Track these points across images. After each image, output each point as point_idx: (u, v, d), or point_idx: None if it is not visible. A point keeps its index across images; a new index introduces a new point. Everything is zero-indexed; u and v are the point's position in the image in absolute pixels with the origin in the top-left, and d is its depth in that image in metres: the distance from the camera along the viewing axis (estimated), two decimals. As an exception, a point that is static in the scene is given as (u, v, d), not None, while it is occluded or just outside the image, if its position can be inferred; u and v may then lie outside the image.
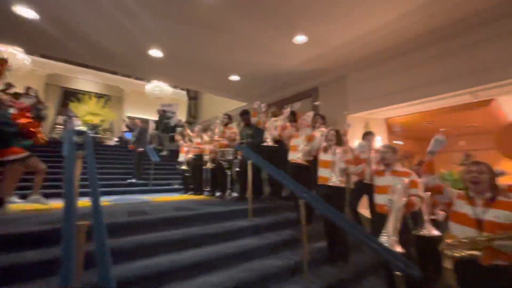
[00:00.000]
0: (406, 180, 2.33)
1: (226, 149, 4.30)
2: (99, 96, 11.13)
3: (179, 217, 2.97)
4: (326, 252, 3.02)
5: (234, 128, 4.80)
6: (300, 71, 4.99)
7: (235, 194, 4.58)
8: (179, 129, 6.28)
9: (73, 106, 10.09)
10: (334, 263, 2.90)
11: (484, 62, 3.15)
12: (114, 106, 11.84)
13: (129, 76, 11.78)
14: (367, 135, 3.70)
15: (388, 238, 2.10)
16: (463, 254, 1.75)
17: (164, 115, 10.31)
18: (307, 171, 3.73)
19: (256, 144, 4.22)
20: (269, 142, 4.15)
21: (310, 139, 3.64)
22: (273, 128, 4.28)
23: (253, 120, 4.67)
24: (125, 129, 10.56)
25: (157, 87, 10.37)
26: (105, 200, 4.11)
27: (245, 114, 4.65)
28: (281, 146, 4.23)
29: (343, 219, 2.31)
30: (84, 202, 2.33)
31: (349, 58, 4.38)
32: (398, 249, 2.04)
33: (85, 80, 11.52)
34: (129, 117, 11.54)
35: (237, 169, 4.36)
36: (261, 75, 5.33)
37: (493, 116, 4.26)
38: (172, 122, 10.22)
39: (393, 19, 3.31)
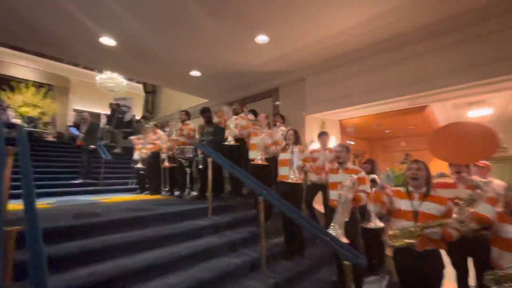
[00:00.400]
0: (355, 176, 2.54)
1: (186, 147, 4.17)
2: (39, 85, 9.82)
3: (134, 218, 2.79)
4: (284, 247, 3.13)
5: (192, 125, 4.67)
6: (262, 71, 5.06)
7: (194, 193, 4.47)
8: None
9: (5, 96, 8.74)
10: (291, 257, 3.03)
11: (419, 73, 3.58)
12: (58, 98, 10.56)
13: (76, 65, 10.62)
14: (322, 135, 3.93)
15: (335, 229, 2.26)
16: (401, 243, 1.98)
17: (117, 110, 9.57)
18: (267, 170, 3.83)
19: (216, 143, 4.17)
20: (231, 141, 4.14)
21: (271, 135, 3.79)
22: (235, 127, 4.29)
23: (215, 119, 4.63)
24: (70, 123, 9.53)
25: (110, 78, 9.57)
26: (45, 202, 3.67)
27: (205, 112, 4.56)
28: (242, 145, 4.26)
29: (299, 214, 2.42)
30: (16, 205, 2.05)
31: (308, 60, 4.59)
32: (344, 239, 2.20)
33: (21, 66, 10.06)
34: (75, 110, 10.43)
35: (200, 166, 4.26)
36: (223, 73, 5.28)
37: (426, 120, 4.89)
38: (127, 117, 9.54)
39: (350, 27, 3.57)
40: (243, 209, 3.87)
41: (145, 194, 5.01)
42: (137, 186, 5.45)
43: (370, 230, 3.24)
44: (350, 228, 2.62)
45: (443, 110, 5.11)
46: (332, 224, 2.34)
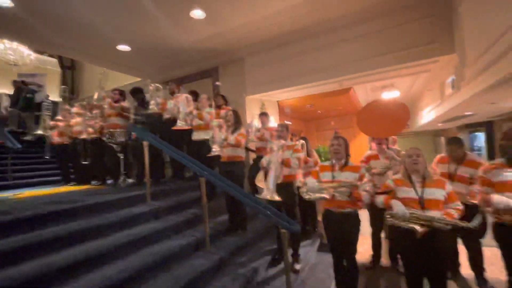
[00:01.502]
0: (283, 141, 2.84)
1: (117, 130, 3.79)
2: None
3: (57, 211, 2.47)
4: (228, 224, 3.25)
5: (126, 104, 4.24)
6: (199, 48, 4.84)
7: (130, 180, 4.17)
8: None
9: None
10: (234, 233, 3.17)
11: (346, 58, 3.98)
12: None
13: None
14: (262, 116, 4.08)
15: (268, 190, 2.44)
16: (315, 197, 2.29)
17: (24, 89, 7.91)
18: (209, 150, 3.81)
19: (153, 124, 3.91)
20: (183, 125, 3.89)
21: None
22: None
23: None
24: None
25: (10, 49, 7.76)
26: None
27: (137, 92, 4.17)
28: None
29: (240, 192, 2.52)
30: None
31: (246, 40, 4.58)
32: (276, 197, 2.41)
33: None
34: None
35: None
36: (157, 49, 4.85)
37: (351, 101, 5.54)
38: (38, 98, 8.00)
39: (284, 8, 3.66)
40: (186, 191, 3.81)
41: (71, 185, 4.44)
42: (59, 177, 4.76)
43: (306, 200, 3.62)
44: (288, 200, 2.89)
45: (364, 92, 5.84)
46: (266, 186, 2.52)
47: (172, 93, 4.38)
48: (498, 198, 1.86)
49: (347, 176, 2.29)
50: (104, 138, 3.87)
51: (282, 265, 2.90)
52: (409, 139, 11.07)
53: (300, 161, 2.88)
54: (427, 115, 5.87)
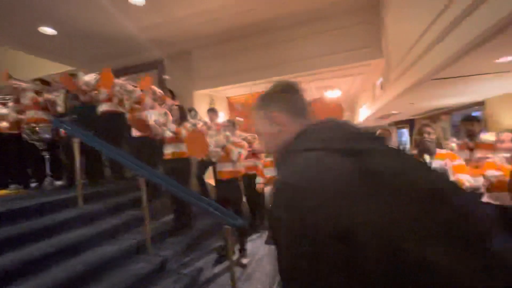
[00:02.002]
0: (228, 134, 2.92)
1: (40, 124, 3.29)
2: None
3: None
4: (173, 223, 3.13)
5: (50, 96, 3.70)
6: (141, 38, 4.50)
7: (59, 183, 3.69)
8: None
9: None
10: (179, 233, 3.06)
11: (296, 55, 4.14)
12: None
13: None
14: (210, 111, 4.01)
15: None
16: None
17: None
18: (153, 147, 3.58)
19: (87, 118, 3.50)
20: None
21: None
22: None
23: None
24: None
25: None
26: None
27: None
28: (120, 119, 3.73)
29: (183, 190, 2.44)
30: None
31: (193, 33, 4.41)
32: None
33: None
34: None
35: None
36: (91, 35, 4.35)
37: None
38: None
39: (230, 2, 3.62)
40: (127, 192, 3.53)
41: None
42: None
43: (253, 193, 3.69)
44: (233, 195, 2.90)
45: (308, 91, 6.17)
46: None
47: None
48: None
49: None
50: (24, 135, 3.32)
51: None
52: (351, 135, 12.18)
53: (241, 156, 2.89)
54: (363, 113, 6.51)
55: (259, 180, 3.57)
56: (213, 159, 2.88)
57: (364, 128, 0.64)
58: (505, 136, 1.99)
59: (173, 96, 4.49)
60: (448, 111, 5.96)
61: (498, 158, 2.07)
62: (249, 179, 3.61)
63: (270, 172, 3.37)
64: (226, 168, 2.86)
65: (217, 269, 2.80)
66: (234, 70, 4.52)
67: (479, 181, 1.99)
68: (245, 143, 3.03)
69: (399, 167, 0.53)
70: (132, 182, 3.83)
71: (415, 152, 2.30)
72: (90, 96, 3.71)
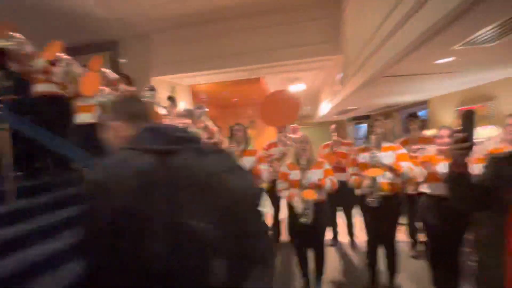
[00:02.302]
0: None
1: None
2: None
3: None
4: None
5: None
6: (90, 15, 4.04)
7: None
8: None
9: None
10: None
11: (259, 46, 4.08)
12: None
13: None
14: (169, 100, 3.79)
15: None
16: None
17: None
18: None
19: (22, 102, 3.07)
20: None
21: None
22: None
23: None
24: None
25: None
26: None
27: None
28: (62, 103, 3.34)
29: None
30: None
31: (153, 14, 4.09)
32: None
33: None
34: None
35: None
36: (34, 6, 3.78)
37: (262, 91, 5.80)
38: None
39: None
40: (72, 185, 3.21)
41: None
42: None
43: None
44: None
45: (274, 84, 6.21)
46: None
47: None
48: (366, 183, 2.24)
49: (245, 161, 2.37)
50: None
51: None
52: (314, 129, 12.64)
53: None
54: (325, 107, 6.75)
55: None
56: None
57: (185, 131, 0.75)
58: (443, 132, 2.17)
59: (128, 81, 4.15)
60: (398, 109, 6.47)
61: (432, 149, 2.29)
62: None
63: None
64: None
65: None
66: (196, 57, 4.32)
67: (418, 171, 2.16)
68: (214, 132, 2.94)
69: (195, 163, 0.67)
70: (78, 173, 3.49)
71: (367, 145, 2.42)
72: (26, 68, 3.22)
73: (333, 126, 3.37)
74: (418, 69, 2.33)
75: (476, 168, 1.97)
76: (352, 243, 3.43)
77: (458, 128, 0.91)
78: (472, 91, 3.55)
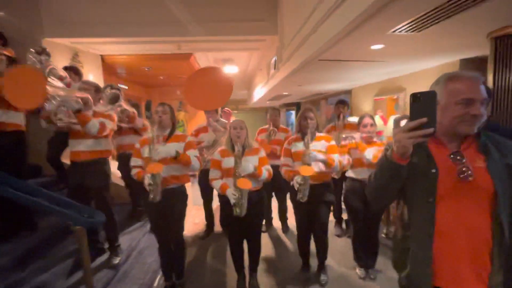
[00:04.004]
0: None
1: None
2: None
3: None
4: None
5: None
6: None
7: None
8: None
9: None
10: (15, 237, 2.16)
11: (183, 16, 3.52)
12: None
13: None
14: (68, 70, 2.95)
15: None
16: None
17: None
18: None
19: None
20: None
21: None
22: None
23: None
24: None
25: None
26: None
27: None
28: None
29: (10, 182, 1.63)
30: None
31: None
32: None
33: None
34: None
35: None
36: None
37: (193, 70, 5.25)
38: None
39: None
40: None
41: None
42: None
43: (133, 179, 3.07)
44: (96, 182, 2.26)
45: (206, 63, 5.73)
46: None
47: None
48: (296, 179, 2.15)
49: (172, 148, 1.98)
50: None
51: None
52: (248, 113, 12.66)
53: (104, 130, 2.22)
54: (258, 92, 6.67)
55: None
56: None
57: None
58: (367, 120, 2.27)
59: (3, 41, 3.07)
60: (325, 97, 6.94)
61: (357, 137, 2.41)
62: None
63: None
64: (81, 147, 2.15)
65: (75, 277, 2.15)
66: (105, 17, 3.46)
67: (345, 159, 2.23)
68: (113, 115, 2.35)
69: None
70: None
71: (298, 134, 2.35)
72: None
73: (268, 115, 3.24)
74: (354, 54, 2.35)
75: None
76: (285, 228, 3.48)
77: (411, 112, 0.80)
78: (387, 83, 3.96)
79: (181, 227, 2.20)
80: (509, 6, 1.44)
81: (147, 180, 1.85)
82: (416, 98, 0.77)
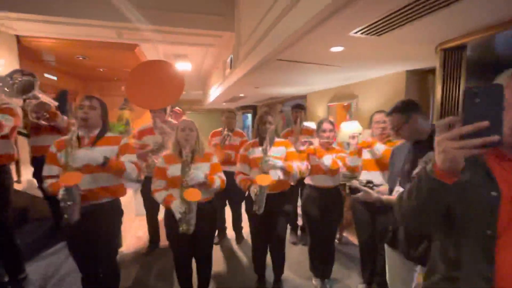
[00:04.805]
0: None
1: None
2: None
3: None
4: None
5: None
6: None
7: None
8: None
9: None
10: None
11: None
12: None
13: None
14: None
15: None
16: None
17: None
18: None
19: None
20: None
21: None
22: None
23: None
24: None
25: None
26: None
27: None
28: None
29: None
30: None
31: None
32: None
33: None
34: None
35: None
36: None
37: (138, 62, 4.67)
38: None
39: None
40: None
41: None
42: None
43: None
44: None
45: (156, 57, 5.20)
46: None
47: None
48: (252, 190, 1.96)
49: (100, 153, 1.58)
50: None
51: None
52: (204, 115, 12.12)
53: (1, 127, 1.71)
54: (214, 93, 6.34)
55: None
56: None
57: None
58: (326, 125, 2.21)
59: None
60: (281, 101, 6.97)
61: (316, 142, 2.35)
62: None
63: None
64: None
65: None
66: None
67: (304, 166, 2.12)
68: (15, 109, 1.83)
69: None
70: None
71: (256, 139, 2.17)
72: None
73: (223, 117, 3.04)
74: (313, 56, 2.26)
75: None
76: (239, 238, 3.25)
77: (464, 112, 0.55)
78: (340, 89, 4.07)
79: (112, 252, 1.79)
80: (456, 18, 1.47)
81: (60, 195, 1.43)
82: (472, 93, 0.54)
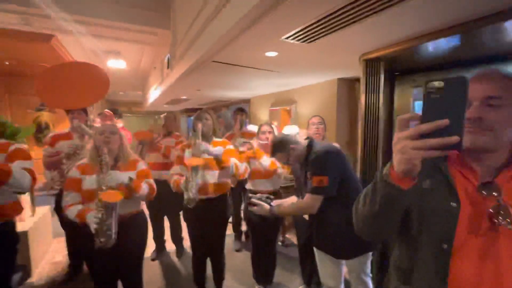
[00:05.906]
0: None
1: None
2: None
3: None
4: None
5: None
6: None
7: None
8: None
9: None
10: None
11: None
12: None
13: None
14: None
15: None
16: None
17: None
18: None
19: None
20: None
21: None
22: None
23: None
24: None
25: None
26: None
27: None
28: None
29: None
30: None
31: None
32: None
33: None
34: None
35: None
36: None
37: (58, 58, 4.02)
38: None
39: None
40: None
41: None
42: None
43: None
44: None
45: (83, 54, 4.57)
46: None
47: None
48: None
49: None
50: None
51: None
52: (143, 118, 11.19)
53: None
54: (153, 95, 5.90)
55: None
56: None
57: None
58: (265, 127, 2.25)
59: None
60: (226, 105, 6.89)
61: (255, 144, 2.36)
62: None
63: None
64: None
65: None
66: None
67: (243, 166, 2.09)
68: None
69: None
70: None
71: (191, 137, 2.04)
72: None
73: (165, 116, 2.95)
74: (250, 60, 2.23)
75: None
76: (179, 251, 3.02)
77: (424, 109, 0.49)
78: (281, 94, 4.19)
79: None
80: (378, 29, 1.58)
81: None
82: (433, 88, 0.47)
